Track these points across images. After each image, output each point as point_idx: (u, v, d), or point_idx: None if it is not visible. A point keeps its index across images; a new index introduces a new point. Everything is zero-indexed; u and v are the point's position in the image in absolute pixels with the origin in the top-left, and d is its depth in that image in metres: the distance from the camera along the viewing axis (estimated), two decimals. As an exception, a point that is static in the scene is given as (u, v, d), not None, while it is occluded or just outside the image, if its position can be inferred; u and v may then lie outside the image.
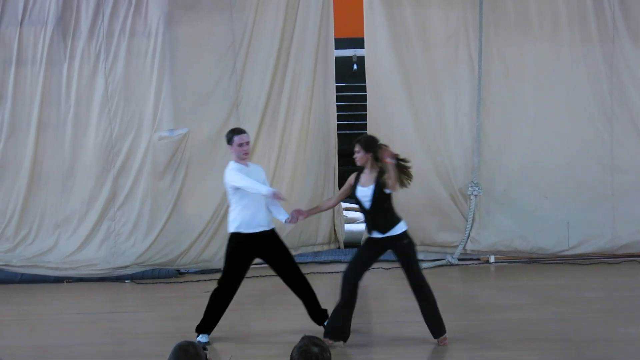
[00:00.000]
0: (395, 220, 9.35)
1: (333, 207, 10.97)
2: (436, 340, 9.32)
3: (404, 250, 9.39)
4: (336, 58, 14.08)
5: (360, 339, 9.73)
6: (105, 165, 13.32)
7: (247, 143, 9.58)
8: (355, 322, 10.62)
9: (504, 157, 13.51)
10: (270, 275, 12.35)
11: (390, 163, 9.06)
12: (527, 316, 10.32)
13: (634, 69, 13.34)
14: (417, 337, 9.62)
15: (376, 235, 9.36)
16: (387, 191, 9.21)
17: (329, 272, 13.16)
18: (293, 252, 13.73)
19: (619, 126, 13.37)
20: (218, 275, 12.77)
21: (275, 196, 9.34)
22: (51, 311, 11.75)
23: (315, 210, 10.19)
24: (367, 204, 9.31)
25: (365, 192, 9.30)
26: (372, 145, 9.33)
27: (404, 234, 9.35)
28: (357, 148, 9.35)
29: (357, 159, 9.36)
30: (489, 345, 9.20)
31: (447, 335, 9.31)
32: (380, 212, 9.30)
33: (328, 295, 12.36)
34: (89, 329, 10.88)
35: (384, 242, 9.40)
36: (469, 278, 12.88)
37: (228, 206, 9.68)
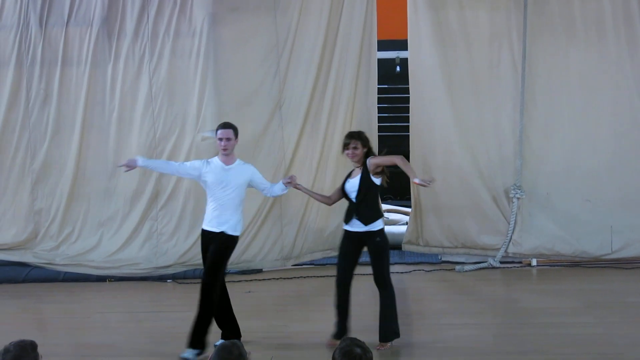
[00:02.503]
0: (377, 215, 9.53)
1: (328, 203, 10.32)
2: (379, 344, 9.38)
3: (377, 247, 9.50)
4: (379, 60, 14.04)
5: (400, 341, 9.71)
6: (148, 165, 13.39)
7: (225, 139, 9.78)
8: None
9: (547, 159, 13.43)
10: (310, 277, 12.40)
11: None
12: (569, 320, 10.27)
13: (681, 71, 13.25)
14: (458, 340, 9.61)
15: (356, 227, 9.52)
16: (376, 181, 9.44)
17: (369, 274, 13.14)
18: (333, 254, 13.85)
19: (664, 129, 13.29)
20: (259, 276, 12.87)
21: None
22: (93, 310, 11.83)
23: (309, 192, 10.42)
24: (353, 194, 9.52)
25: (353, 183, 9.56)
26: (368, 140, 9.69)
27: (380, 231, 9.48)
28: (355, 144, 9.58)
29: (355, 155, 9.60)
30: (531, 349, 9.16)
31: (487, 339, 9.27)
32: (364, 203, 9.46)
33: (368, 297, 12.36)
34: (130, 327, 10.96)
35: (362, 236, 9.54)
36: (510, 281, 12.82)
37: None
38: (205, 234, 9.65)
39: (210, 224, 9.58)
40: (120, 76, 13.35)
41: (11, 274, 13.27)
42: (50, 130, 13.42)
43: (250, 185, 9.84)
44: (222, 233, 9.52)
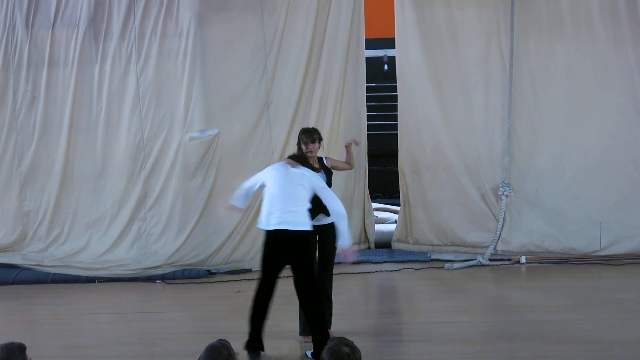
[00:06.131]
0: None
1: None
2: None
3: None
4: (367, 58, 14.05)
5: (391, 340, 9.72)
6: (136, 165, 13.36)
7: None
8: (387, 322, 10.64)
9: (535, 157, 13.43)
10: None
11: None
12: (558, 317, 10.27)
13: (668, 68, 13.27)
14: (449, 338, 9.60)
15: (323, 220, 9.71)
16: None
17: (359, 273, 13.15)
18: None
19: (652, 126, 13.30)
20: (249, 276, 12.86)
21: None
22: (82, 311, 11.79)
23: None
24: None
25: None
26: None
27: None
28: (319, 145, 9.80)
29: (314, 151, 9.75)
30: (520, 346, 9.17)
31: (477, 337, 9.27)
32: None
33: (359, 296, 12.39)
34: (120, 329, 10.93)
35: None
36: (499, 279, 12.82)
37: (258, 206, 9.73)
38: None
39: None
40: (107, 77, 13.32)
41: (0, 275, 13.23)
42: (37, 132, 13.37)
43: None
44: None
